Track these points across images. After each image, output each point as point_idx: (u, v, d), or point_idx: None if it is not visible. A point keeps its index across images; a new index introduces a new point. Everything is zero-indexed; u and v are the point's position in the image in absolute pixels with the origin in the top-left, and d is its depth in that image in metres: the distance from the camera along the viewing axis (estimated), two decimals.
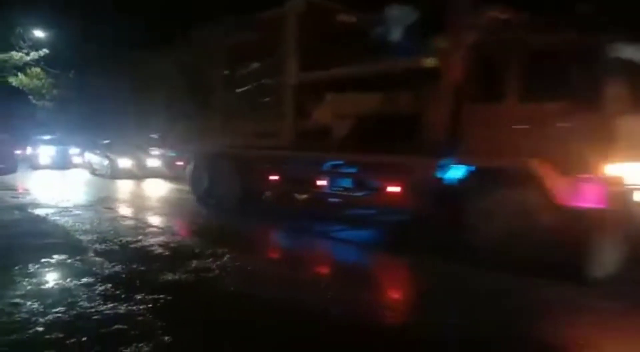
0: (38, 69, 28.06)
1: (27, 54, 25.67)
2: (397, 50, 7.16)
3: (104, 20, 23.25)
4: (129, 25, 23.02)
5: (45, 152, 22.84)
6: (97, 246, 7.00)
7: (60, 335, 3.82)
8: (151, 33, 21.30)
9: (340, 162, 8.34)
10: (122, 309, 4.44)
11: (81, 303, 4.57)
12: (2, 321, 4.12)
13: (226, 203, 10.20)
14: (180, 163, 12.29)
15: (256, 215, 9.84)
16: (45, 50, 25.91)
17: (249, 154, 9.60)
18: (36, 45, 25.91)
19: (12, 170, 19.17)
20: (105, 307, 4.48)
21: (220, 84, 10.28)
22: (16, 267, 5.64)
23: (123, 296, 4.78)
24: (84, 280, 5.27)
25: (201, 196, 11.08)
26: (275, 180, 9.43)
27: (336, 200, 9.13)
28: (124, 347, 3.62)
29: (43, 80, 29.42)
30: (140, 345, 3.66)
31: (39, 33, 25.46)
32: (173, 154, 13.03)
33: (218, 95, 10.26)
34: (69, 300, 4.64)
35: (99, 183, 17.00)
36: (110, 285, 5.13)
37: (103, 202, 11.85)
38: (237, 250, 6.76)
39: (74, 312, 4.35)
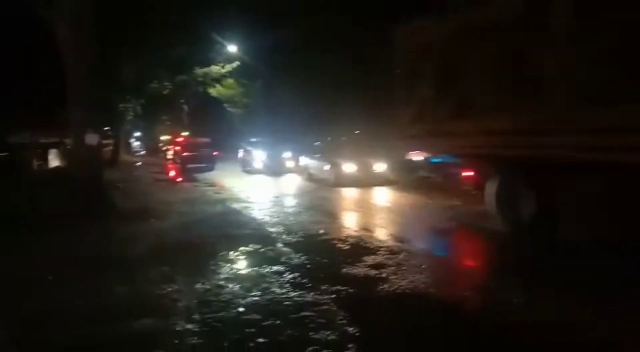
0: (231, 80, 31.85)
1: (223, 67, 29.24)
2: None
3: (290, 31, 24.69)
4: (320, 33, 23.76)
5: (259, 156, 20.78)
6: (284, 237, 7.57)
7: (258, 317, 4.23)
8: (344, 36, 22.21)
9: None
10: (309, 297, 4.73)
11: (273, 289, 5.00)
12: (211, 300, 4.72)
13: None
14: (466, 173, 8.86)
15: None
16: (237, 63, 29.19)
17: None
18: (230, 58, 29.36)
19: (211, 168, 22.10)
20: (294, 294, 4.83)
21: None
22: (220, 254, 6.42)
23: (309, 285, 5.10)
24: (275, 268, 5.76)
25: (519, 224, 7.26)
26: None
27: None
28: (312, 333, 3.86)
29: (235, 90, 33.33)
30: (327, 333, 3.86)
31: (232, 48, 28.68)
32: (442, 160, 9.87)
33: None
34: (263, 285, 5.11)
35: (315, 190, 14.17)
36: (297, 274, 5.52)
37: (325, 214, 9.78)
38: None
39: (268, 297, 4.78)
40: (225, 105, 35.47)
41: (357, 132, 25.86)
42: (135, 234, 8.01)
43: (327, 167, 15.65)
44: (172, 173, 19.75)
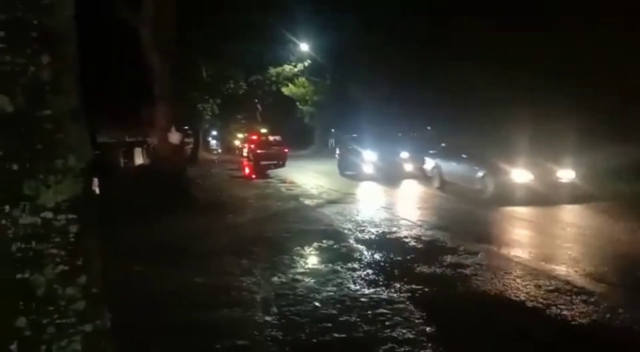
0: (303, 79, 32.34)
1: (295, 66, 29.73)
2: None
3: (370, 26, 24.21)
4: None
5: (369, 157, 16.24)
6: (357, 234, 7.59)
7: (334, 311, 4.28)
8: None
9: None
10: (384, 294, 4.71)
11: (348, 285, 5.03)
12: (287, 293, 4.83)
13: None
14: None
15: None
16: (308, 61, 29.56)
17: None
18: (301, 58, 29.79)
19: (283, 165, 22.57)
20: (368, 290, 4.84)
21: None
22: (295, 248, 6.55)
23: (383, 282, 5.08)
24: (349, 264, 5.79)
25: None
26: None
27: None
28: (389, 330, 3.85)
29: (307, 88, 33.82)
30: (403, 331, 3.83)
31: (304, 46, 29.05)
32: None
33: None
34: (338, 281, 5.16)
35: (474, 211, 9.90)
36: (370, 271, 5.52)
37: None
38: None
39: (343, 292, 4.81)
40: (297, 103, 36.12)
41: (429, 127, 25.21)
42: (215, 227, 8.37)
43: (480, 173, 11.22)
44: (247, 170, 20.35)
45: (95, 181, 9.80)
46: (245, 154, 25.16)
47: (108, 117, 25.03)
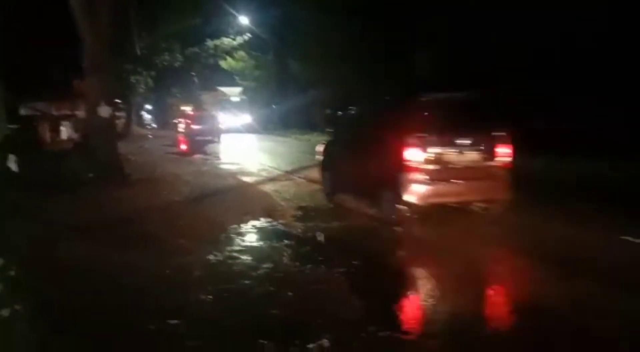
0: (242, 53, 31.59)
1: (234, 39, 28.93)
2: None
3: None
4: None
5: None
6: (296, 212, 7.62)
7: (272, 288, 4.29)
8: None
9: None
10: (321, 271, 4.78)
11: (286, 262, 5.06)
12: (223, 271, 4.79)
13: None
14: None
15: None
16: (248, 35, 28.86)
17: None
18: (241, 31, 29.02)
19: (218, 141, 22.19)
20: (305, 267, 4.88)
21: None
22: (232, 226, 6.48)
23: (320, 258, 5.15)
24: (286, 241, 5.82)
25: None
26: None
27: None
28: (327, 305, 3.93)
29: (247, 63, 33.10)
30: (339, 306, 3.91)
31: (243, 19, 28.30)
32: None
33: None
34: (275, 258, 5.17)
35: None
36: (308, 247, 5.58)
37: None
38: None
39: (280, 269, 4.84)
40: (236, 78, 35.34)
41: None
42: (148, 205, 8.12)
43: None
44: (182, 146, 19.78)
45: (12, 157, 9.18)
46: (180, 129, 24.50)
47: (34, 89, 23.41)
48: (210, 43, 28.17)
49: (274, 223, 6.77)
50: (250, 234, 6.23)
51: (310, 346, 3.17)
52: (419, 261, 5.31)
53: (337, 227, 6.56)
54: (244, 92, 37.05)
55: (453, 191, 6.26)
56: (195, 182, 10.53)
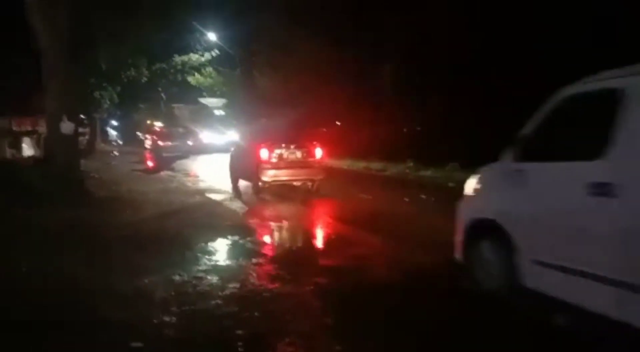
0: (210, 69, 31.47)
1: (202, 55, 28.83)
2: None
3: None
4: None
5: None
6: (263, 230, 7.57)
7: (236, 309, 4.21)
8: None
9: None
10: (287, 289, 4.73)
11: (252, 281, 4.98)
12: (188, 292, 4.67)
13: None
14: None
15: None
16: (216, 51, 28.81)
17: None
18: (209, 47, 28.95)
19: (187, 157, 21.96)
20: (272, 286, 4.82)
21: None
22: (198, 245, 6.35)
23: (288, 277, 5.09)
24: (254, 260, 5.74)
25: None
26: None
27: None
28: (291, 324, 3.87)
29: (215, 79, 32.95)
30: (303, 323, 3.87)
31: (211, 36, 28.26)
32: None
33: None
34: (242, 277, 5.09)
35: None
36: (277, 265, 5.52)
37: None
38: None
39: (246, 288, 4.76)
40: (204, 93, 35.07)
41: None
42: (111, 223, 7.88)
43: None
44: (149, 163, 19.45)
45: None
46: (147, 145, 24.09)
47: None
48: (177, 59, 28.01)
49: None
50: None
51: None
52: (266, 209, 9.67)
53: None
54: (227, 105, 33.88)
55: (287, 174, 10.80)
56: (161, 200, 10.32)
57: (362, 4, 18.86)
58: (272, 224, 8.07)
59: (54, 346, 3.54)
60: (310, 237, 7.52)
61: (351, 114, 21.15)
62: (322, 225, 8.41)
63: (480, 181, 4.66)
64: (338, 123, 25.71)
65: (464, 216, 4.71)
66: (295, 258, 6.00)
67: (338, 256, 6.03)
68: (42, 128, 17.48)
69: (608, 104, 3.34)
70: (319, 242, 7.20)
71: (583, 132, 3.65)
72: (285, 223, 8.19)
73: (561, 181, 3.69)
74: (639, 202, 3.09)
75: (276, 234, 7.63)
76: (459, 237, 4.72)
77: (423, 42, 16.66)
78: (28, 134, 23.61)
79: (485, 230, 4.32)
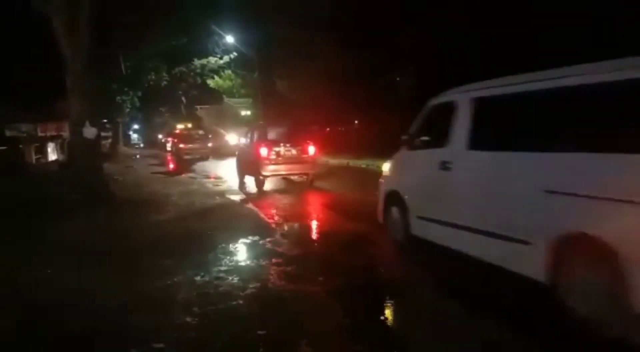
0: (229, 71, 31.76)
1: (221, 58, 29.12)
2: None
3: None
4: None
5: None
6: (281, 229, 7.60)
7: (258, 309, 4.24)
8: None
9: None
10: (307, 289, 4.74)
11: (273, 280, 5.02)
12: (210, 292, 4.73)
13: None
14: None
15: None
16: (234, 54, 29.06)
17: None
18: (227, 50, 29.20)
19: (206, 159, 22.15)
20: (292, 286, 4.84)
21: None
22: (220, 246, 6.42)
23: (307, 276, 5.12)
24: (274, 260, 5.78)
25: None
26: None
27: None
28: (308, 324, 3.89)
29: (234, 81, 33.24)
30: (322, 323, 3.89)
31: (229, 38, 28.51)
32: None
33: None
34: (262, 277, 5.12)
35: None
36: (295, 266, 5.54)
37: None
38: None
39: (267, 288, 4.79)
40: (223, 96, 35.41)
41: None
42: (135, 225, 8.02)
43: None
44: (170, 165, 19.72)
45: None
46: (168, 148, 24.40)
47: (20, 110, 23.32)
48: (197, 62, 28.34)
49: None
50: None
51: None
52: (269, 197, 11.34)
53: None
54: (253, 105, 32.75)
55: (284, 169, 12.32)
56: (182, 202, 10.46)
57: (374, 15, 18.91)
58: (288, 224, 8.04)
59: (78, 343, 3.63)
60: (326, 236, 7.50)
61: (367, 115, 21.20)
62: (336, 224, 8.35)
63: (390, 164, 6.57)
64: (356, 122, 25.75)
65: (382, 189, 6.55)
66: (312, 257, 6.03)
67: (353, 255, 6.03)
68: (66, 133, 17.89)
69: (450, 112, 5.17)
70: (335, 241, 7.18)
71: (439, 130, 5.33)
72: (302, 222, 8.21)
73: (427, 161, 5.47)
74: (461, 173, 4.94)
75: (293, 234, 7.62)
76: (380, 206, 6.55)
77: (434, 50, 16.80)
78: (52, 139, 24.18)
79: (393, 198, 6.22)
